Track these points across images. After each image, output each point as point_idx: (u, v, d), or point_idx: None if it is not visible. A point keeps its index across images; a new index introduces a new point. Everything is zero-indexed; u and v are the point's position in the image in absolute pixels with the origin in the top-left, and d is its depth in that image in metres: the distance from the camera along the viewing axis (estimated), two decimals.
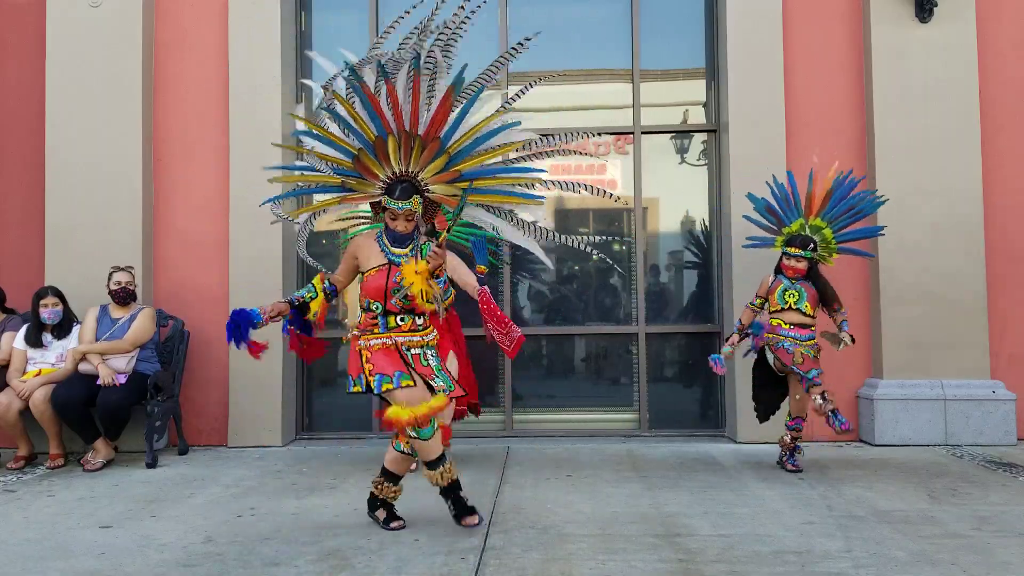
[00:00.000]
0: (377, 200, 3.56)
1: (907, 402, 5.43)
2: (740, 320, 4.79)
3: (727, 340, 4.80)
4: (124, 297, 5.23)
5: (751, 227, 4.99)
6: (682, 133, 6.27)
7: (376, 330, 3.45)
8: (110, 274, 5.26)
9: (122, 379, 4.99)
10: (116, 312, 5.27)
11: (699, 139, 6.24)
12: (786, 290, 4.60)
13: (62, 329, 5.21)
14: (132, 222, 5.71)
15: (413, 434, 3.33)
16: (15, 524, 3.75)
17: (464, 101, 3.41)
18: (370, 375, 3.38)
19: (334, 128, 3.52)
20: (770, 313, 4.67)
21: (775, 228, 4.80)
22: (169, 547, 3.34)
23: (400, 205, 3.39)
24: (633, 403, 6.09)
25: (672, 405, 6.13)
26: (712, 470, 4.76)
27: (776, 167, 5.49)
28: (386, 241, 3.51)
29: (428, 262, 3.33)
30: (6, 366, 5.19)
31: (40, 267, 5.71)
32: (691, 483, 4.41)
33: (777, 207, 4.75)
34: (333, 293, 3.62)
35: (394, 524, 3.57)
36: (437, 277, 3.37)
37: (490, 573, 2.99)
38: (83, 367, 5.07)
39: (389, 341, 3.45)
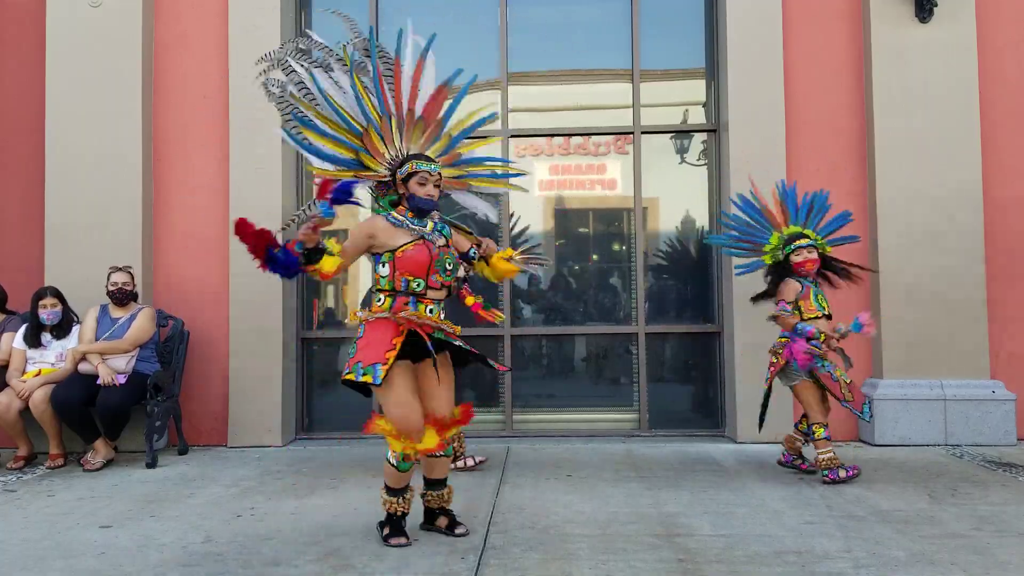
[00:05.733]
0: (384, 180, 3.47)
1: (907, 402, 5.43)
2: (780, 326, 4.47)
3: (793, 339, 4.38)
4: (122, 298, 5.23)
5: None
6: (682, 133, 6.27)
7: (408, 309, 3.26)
8: (108, 275, 5.26)
9: (122, 379, 4.99)
10: (116, 312, 5.26)
11: (699, 139, 6.24)
12: (818, 293, 4.44)
13: (62, 329, 5.21)
14: (132, 222, 5.70)
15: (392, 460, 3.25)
16: (15, 524, 3.75)
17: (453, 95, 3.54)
18: (353, 358, 3.22)
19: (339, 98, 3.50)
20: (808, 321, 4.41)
21: (756, 250, 4.66)
22: (169, 547, 3.34)
23: (433, 167, 3.35)
24: (633, 403, 6.09)
25: (672, 405, 6.13)
26: (712, 470, 4.76)
27: (776, 167, 5.50)
28: (400, 217, 3.34)
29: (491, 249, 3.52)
30: (6, 366, 5.20)
31: (40, 267, 5.71)
32: (691, 483, 4.41)
33: (742, 236, 4.68)
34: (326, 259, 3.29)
35: (394, 540, 3.30)
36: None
37: (490, 573, 2.99)
38: (83, 367, 5.06)
39: (416, 320, 3.22)
